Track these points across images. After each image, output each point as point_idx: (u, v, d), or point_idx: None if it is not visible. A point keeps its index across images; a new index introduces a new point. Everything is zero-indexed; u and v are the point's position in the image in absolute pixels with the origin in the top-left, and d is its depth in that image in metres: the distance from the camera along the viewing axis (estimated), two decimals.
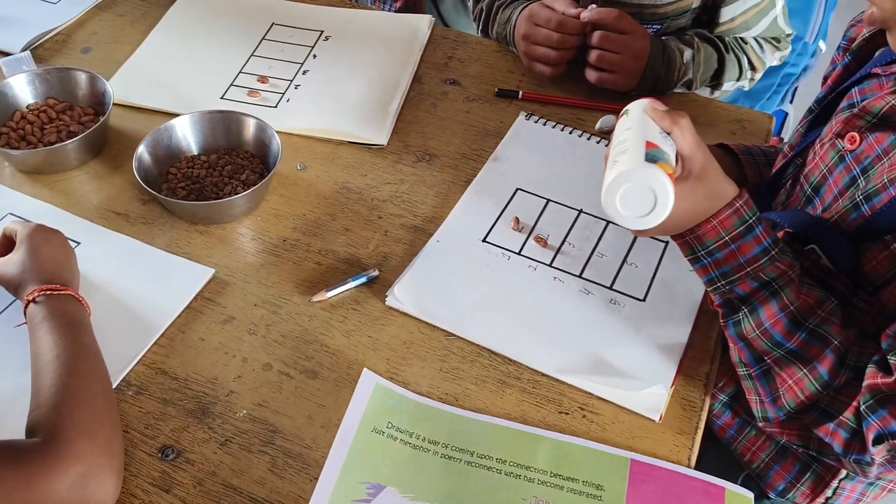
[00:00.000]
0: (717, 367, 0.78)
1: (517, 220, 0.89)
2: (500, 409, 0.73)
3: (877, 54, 0.75)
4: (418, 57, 1.11)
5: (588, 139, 0.99)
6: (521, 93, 1.06)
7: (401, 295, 0.80)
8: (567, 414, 0.73)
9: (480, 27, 1.20)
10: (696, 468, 0.69)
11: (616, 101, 1.04)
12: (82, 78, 0.97)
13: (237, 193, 0.86)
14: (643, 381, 0.74)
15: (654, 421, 0.72)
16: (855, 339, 0.65)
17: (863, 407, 0.61)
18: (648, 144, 0.62)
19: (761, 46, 1.13)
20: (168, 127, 0.91)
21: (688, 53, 1.07)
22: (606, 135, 1.01)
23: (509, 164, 0.96)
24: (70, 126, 0.95)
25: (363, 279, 0.82)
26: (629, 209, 0.62)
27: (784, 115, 2.04)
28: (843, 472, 0.80)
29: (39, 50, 1.09)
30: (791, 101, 1.99)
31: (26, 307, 0.71)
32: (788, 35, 1.15)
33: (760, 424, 0.70)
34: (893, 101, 0.67)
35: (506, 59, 1.12)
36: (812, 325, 0.65)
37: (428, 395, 0.73)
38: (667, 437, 0.71)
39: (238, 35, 1.13)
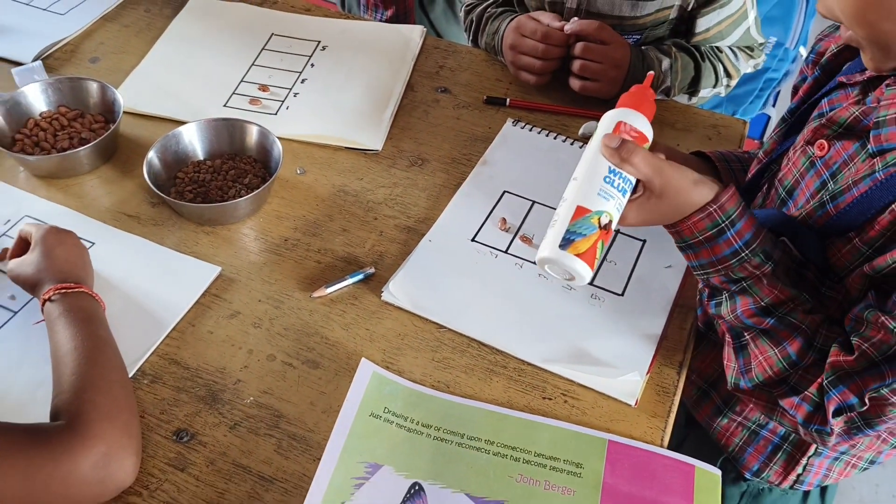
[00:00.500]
0: (689, 356, 0.84)
1: (504, 220, 0.95)
2: (488, 395, 0.78)
3: (844, 68, 0.80)
4: (411, 66, 1.17)
5: (572, 144, 1.05)
6: (508, 100, 1.11)
7: (395, 290, 0.86)
8: (550, 399, 0.78)
9: (471, 37, 1.26)
10: (679, 452, 0.74)
11: (598, 107, 1.10)
12: (93, 87, 1.02)
13: (241, 196, 0.92)
14: (620, 369, 0.80)
15: (630, 405, 0.78)
16: (821, 324, 0.70)
17: (825, 382, 0.66)
18: (578, 211, 0.67)
19: (736, 55, 1.19)
20: (176, 133, 0.96)
21: (666, 62, 1.13)
22: (589, 140, 1.07)
23: (497, 168, 1.02)
24: (81, 133, 1.00)
25: (360, 276, 0.87)
26: (557, 275, 0.71)
27: (767, 119, 2.11)
28: (812, 450, 0.85)
29: (49, 60, 1.15)
30: (773, 105, 2.06)
31: (43, 305, 0.76)
32: (761, 44, 1.21)
33: (731, 388, 0.75)
34: (856, 112, 0.72)
35: (494, 68, 1.18)
36: (781, 313, 0.70)
37: (421, 382, 0.79)
38: (642, 419, 0.77)
39: (239, 45, 1.19)
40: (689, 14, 1.14)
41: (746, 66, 1.21)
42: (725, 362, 0.76)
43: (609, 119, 0.72)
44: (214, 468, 0.72)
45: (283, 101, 1.09)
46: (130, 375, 0.77)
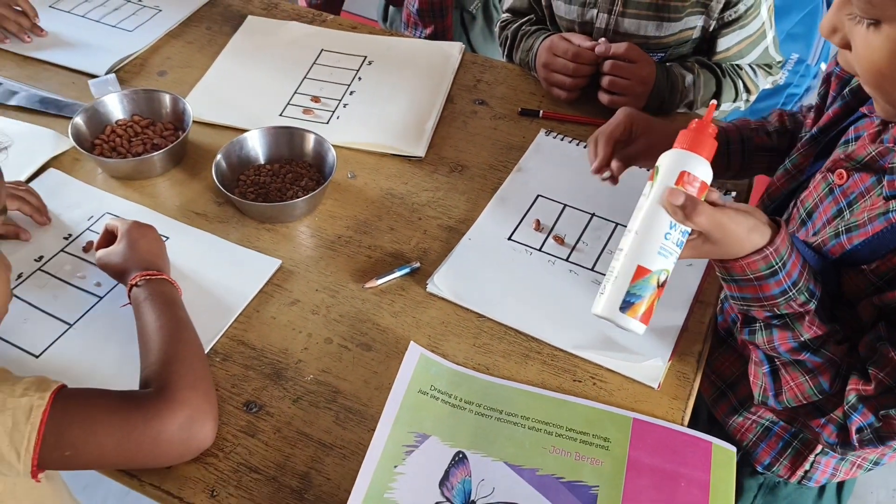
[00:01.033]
0: (707, 346, 0.91)
1: (538, 221, 1.03)
2: (523, 377, 0.87)
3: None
4: (451, 80, 1.26)
5: None
6: (541, 112, 1.20)
7: (439, 283, 0.95)
8: (580, 382, 0.86)
9: (505, 52, 1.35)
10: None
11: None
12: (166, 98, 1.13)
13: (298, 197, 1.01)
14: (644, 355, 0.88)
15: (653, 388, 0.86)
16: (847, 352, 0.75)
17: (847, 407, 0.73)
18: (639, 271, 0.68)
19: (755, 72, 1.26)
20: (240, 139, 1.06)
21: (689, 78, 1.21)
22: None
23: (531, 175, 1.10)
24: (153, 139, 1.10)
25: (407, 270, 0.96)
26: (613, 324, 0.71)
27: None
28: (819, 449, 0.92)
29: (120, 72, 1.26)
30: None
31: (130, 290, 0.85)
32: (779, 62, 1.29)
33: (757, 403, 0.81)
34: (873, 152, 0.74)
35: (528, 82, 1.27)
36: (815, 347, 0.73)
37: (464, 364, 0.87)
38: (664, 401, 0.85)
39: (292, 60, 1.29)
40: (710, 34, 1.22)
41: (765, 83, 1.29)
42: (752, 379, 0.82)
43: (671, 164, 0.70)
44: (281, 435, 0.81)
45: (333, 112, 1.19)
46: (205, 356, 0.86)
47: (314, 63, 1.29)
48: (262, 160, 1.08)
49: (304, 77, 1.26)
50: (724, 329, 0.94)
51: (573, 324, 0.91)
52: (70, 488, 0.89)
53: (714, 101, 0.73)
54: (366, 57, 1.30)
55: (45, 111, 1.16)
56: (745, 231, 0.70)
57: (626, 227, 0.71)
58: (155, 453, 0.73)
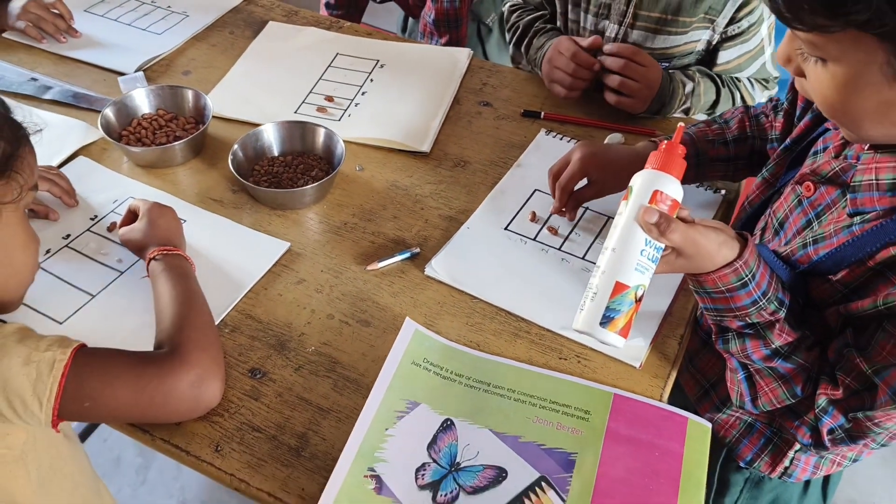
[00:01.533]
0: (689, 331, 0.96)
1: (534, 213, 1.09)
2: (512, 353, 0.92)
3: None
4: (458, 83, 1.33)
5: None
6: (542, 113, 1.26)
7: (437, 266, 1.00)
8: (565, 360, 0.91)
9: (512, 39, 1.40)
10: None
11: (622, 122, 1.24)
12: (189, 94, 1.21)
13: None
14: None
15: (635, 367, 0.90)
16: (819, 357, 0.79)
17: (817, 410, 0.77)
18: (617, 287, 0.72)
19: (752, 85, 1.32)
20: (256, 132, 1.13)
21: (689, 86, 1.26)
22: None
23: (529, 170, 1.16)
24: (176, 132, 1.18)
25: (407, 254, 1.02)
26: (593, 338, 0.75)
27: None
28: (797, 446, 0.95)
29: (148, 71, 1.34)
30: None
31: (148, 264, 0.92)
32: (775, 77, 1.34)
33: (736, 407, 0.86)
34: (836, 167, 0.79)
35: (532, 86, 1.33)
36: (786, 353, 0.78)
37: (456, 341, 0.93)
38: (644, 379, 0.89)
39: (309, 62, 1.36)
40: (713, 47, 1.28)
41: (761, 97, 1.34)
42: (729, 385, 0.86)
43: (644, 184, 0.74)
44: (282, 399, 0.86)
45: (345, 110, 1.26)
46: (215, 324, 0.93)
47: (329, 65, 1.36)
48: (275, 152, 1.15)
49: (320, 78, 1.33)
50: (705, 331, 0.98)
51: (562, 306, 0.96)
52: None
53: (682, 125, 0.78)
54: (378, 61, 1.37)
55: (78, 105, 1.25)
56: (716, 246, 0.74)
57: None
58: (166, 409, 0.79)
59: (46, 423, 0.74)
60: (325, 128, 1.14)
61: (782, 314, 0.77)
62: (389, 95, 1.29)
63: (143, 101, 1.20)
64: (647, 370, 0.90)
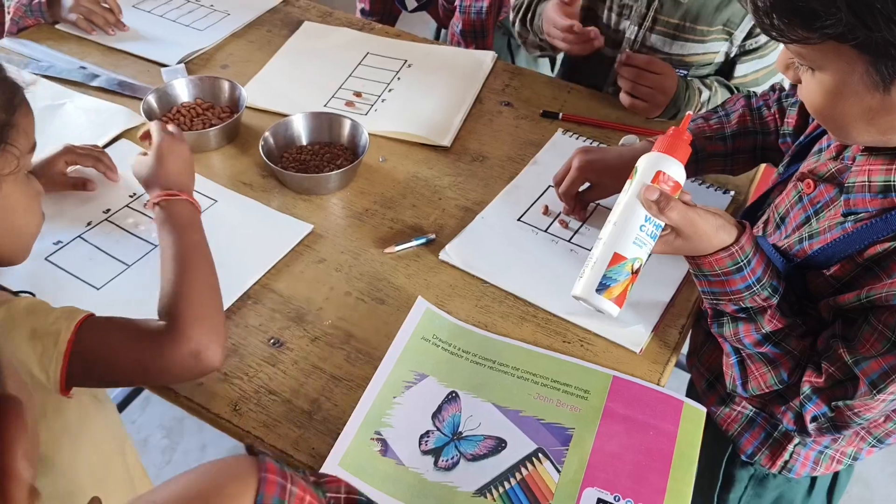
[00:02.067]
0: (691, 321, 0.99)
1: (546, 207, 1.13)
2: (518, 335, 0.96)
3: None
4: (481, 83, 1.38)
5: None
6: (561, 114, 1.31)
7: (451, 252, 1.05)
8: (569, 343, 0.95)
9: (517, 17, 1.44)
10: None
11: (638, 125, 1.28)
12: (225, 85, 1.28)
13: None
14: (628, 323, 0.96)
15: (635, 353, 0.94)
16: (809, 347, 0.82)
17: (802, 397, 0.80)
18: (615, 258, 0.76)
19: None
20: (287, 121, 1.20)
21: (706, 94, 1.30)
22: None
23: (545, 167, 1.20)
24: (212, 120, 1.25)
25: (423, 240, 1.07)
26: (590, 305, 0.80)
27: None
28: (796, 440, 0.97)
29: (189, 64, 1.42)
30: None
31: (152, 207, 0.91)
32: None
33: (729, 391, 0.90)
34: (833, 168, 0.82)
35: (552, 88, 1.38)
36: (777, 339, 0.81)
37: (465, 321, 0.97)
38: (644, 364, 0.93)
39: (340, 60, 1.43)
40: (731, 59, 1.31)
41: None
42: (724, 369, 0.90)
43: (649, 164, 0.78)
44: (297, 367, 0.92)
45: (372, 105, 1.32)
46: (237, 298, 0.99)
47: (359, 64, 1.42)
48: (304, 141, 1.22)
49: (350, 75, 1.39)
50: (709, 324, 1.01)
51: (569, 293, 0.99)
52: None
53: (690, 112, 0.82)
54: (406, 60, 1.43)
55: (122, 92, 1.33)
56: (713, 229, 0.77)
57: None
58: (167, 378, 0.82)
59: (56, 391, 0.76)
60: (352, 119, 1.20)
61: (775, 301, 0.80)
62: (415, 93, 1.35)
63: (182, 90, 1.27)
64: (647, 356, 0.94)
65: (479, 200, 1.15)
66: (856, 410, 0.77)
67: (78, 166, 1.11)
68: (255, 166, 1.20)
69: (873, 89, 0.68)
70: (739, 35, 1.26)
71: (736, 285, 0.80)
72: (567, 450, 0.84)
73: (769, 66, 1.30)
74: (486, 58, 1.43)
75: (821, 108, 0.73)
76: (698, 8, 1.25)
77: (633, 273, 0.78)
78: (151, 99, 1.23)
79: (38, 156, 1.08)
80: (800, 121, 1.00)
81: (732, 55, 1.30)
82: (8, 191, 0.76)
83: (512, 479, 0.81)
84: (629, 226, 0.77)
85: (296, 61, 1.43)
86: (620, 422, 0.86)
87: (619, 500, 0.80)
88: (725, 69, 1.34)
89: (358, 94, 1.34)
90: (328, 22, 1.55)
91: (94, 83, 1.34)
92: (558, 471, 0.82)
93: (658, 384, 0.91)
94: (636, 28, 1.30)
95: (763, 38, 1.26)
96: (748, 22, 1.24)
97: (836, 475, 1.04)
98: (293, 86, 1.36)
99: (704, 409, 0.89)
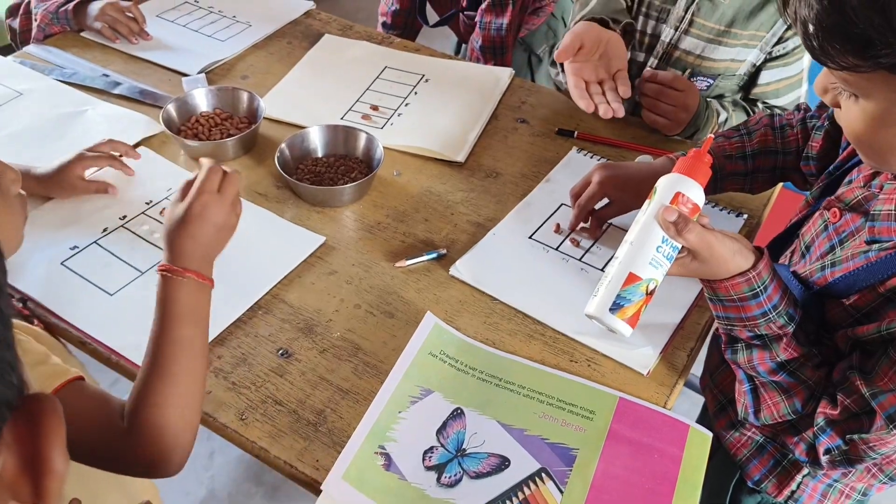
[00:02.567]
0: (700, 345, 0.99)
1: (558, 225, 1.13)
2: (525, 353, 0.96)
3: None
4: (497, 99, 1.39)
5: None
6: (576, 133, 1.31)
7: (462, 268, 1.06)
8: (576, 363, 0.95)
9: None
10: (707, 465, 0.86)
11: (653, 145, 1.28)
12: (244, 96, 1.30)
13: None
14: (637, 345, 0.96)
15: (643, 375, 0.94)
16: (823, 377, 0.81)
17: (816, 428, 0.79)
18: (630, 278, 0.75)
19: None
20: (302, 133, 1.21)
21: (723, 115, 1.30)
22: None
23: (558, 185, 1.21)
24: (230, 130, 1.27)
25: (434, 255, 1.08)
26: (603, 325, 0.79)
27: None
28: (805, 470, 0.96)
29: (210, 74, 1.43)
30: None
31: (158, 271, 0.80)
32: None
33: (741, 418, 0.88)
34: (860, 196, 0.81)
35: (568, 107, 1.38)
36: (792, 368, 0.80)
37: (473, 337, 0.98)
38: (651, 386, 0.93)
39: (358, 74, 1.44)
40: (756, 70, 1.32)
41: None
42: (737, 396, 0.89)
43: (668, 186, 0.77)
44: (305, 378, 0.92)
45: (388, 119, 1.33)
46: (249, 307, 1.00)
47: (377, 77, 1.44)
48: (319, 153, 1.23)
49: (367, 89, 1.41)
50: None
51: (578, 313, 0.98)
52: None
53: (711, 136, 0.82)
54: (423, 75, 1.44)
55: (143, 101, 1.35)
56: (731, 253, 0.76)
57: None
58: (121, 472, 0.78)
59: None
60: (367, 133, 1.21)
61: (791, 329, 0.79)
62: (431, 107, 1.36)
63: (202, 100, 1.29)
64: (654, 378, 0.94)
65: (491, 216, 1.15)
66: (871, 445, 0.76)
67: (95, 169, 1.13)
68: (270, 177, 1.21)
69: None
70: (771, 39, 1.26)
71: (752, 311, 0.79)
72: (571, 471, 0.84)
73: (791, 77, 1.30)
74: (504, 74, 1.44)
75: (861, 135, 0.73)
76: (734, 12, 1.26)
77: (647, 294, 0.78)
78: (171, 108, 1.25)
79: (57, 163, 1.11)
80: (825, 146, 0.99)
81: (759, 63, 1.30)
82: None
83: (514, 499, 0.81)
84: (646, 246, 0.76)
85: (314, 73, 1.44)
86: (625, 444, 0.86)
87: None
88: (748, 82, 1.34)
89: (375, 108, 1.36)
90: (348, 35, 1.57)
91: (117, 91, 1.36)
92: (561, 491, 0.82)
93: (664, 407, 0.91)
94: (672, 31, 1.31)
95: (790, 45, 1.27)
96: (780, 26, 1.25)
97: None
98: (311, 98, 1.38)
99: (710, 434, 0.88)
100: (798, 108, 1.08)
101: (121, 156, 1.16)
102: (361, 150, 1.22)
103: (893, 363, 0.73)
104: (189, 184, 0.84)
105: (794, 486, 0.98)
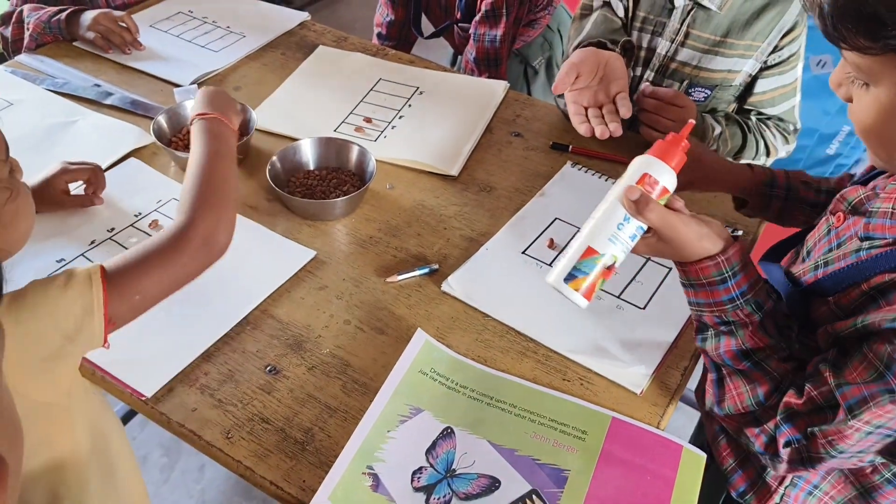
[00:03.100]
0: (694, 364, 0.97)
1: (552, 241, 1.12)
2: (517, 371, 0.95)
3: None
4: (492, 113, 1.38)
5: None
6: (570, 147, 1.30)
7: (454, 283, 1.04)
8: (569, 381, 0.94)
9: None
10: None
11: None
12: (236, 106, 1.28)
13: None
14: (630, 363, 0.95)
15: (636, 394, 0.92)
16: (790, 371, 0.81)
17: (779, 418, 0.78)
18: (588, 251, 0.77)
19: (775, 136, 1.34)
20: (294, 146, 1.20)
21: (717, 130, 1.30)
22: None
23: (552, 199, 1.20)
24: None
25: (426, 270, 1.06)
26: (561, 294, 0.79)
27: None
28: (788, 480, 0.94)
29: (203, 84, 1.42)
30: None
31: (190, 125, 0.95)
32: (796, 130, 1.36)
33: (707, 410, 0.88)
34: (861, 196, 0.81)
35: (563, 121, 1.38)
36: (757, 358, 0.80)
37: (464, 355, 0.96)
38: (644, 406, 0.91)
39: (352, 85, 1.43)
40: (752, 79, 1.32)
41: (782, 150, 1.36)
42: (706, 387, 0.88)
43: (636, 167, 0.79)
44: (293, 395, 0.91)
45: (382, 132, 1.32)
46: (236, 323, 0.98)
47: (371, 89, 1.43)
48: (311, 166, 1.22)
49: (361, 101, 1.40)
50: None
51: (571, 330, 0.99)
52: None
53: (692, 121, 0.82)
54: (418, 87, 1.43)
55: (135, 111, 1.34)
56: (696, 236, 0.78)
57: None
58: (191, 268, 0.82)
59: (99, 334, 0.74)
60: (359, 146, 1.20)
61: (757, 318, 0.79)
62: (425, 120, 1.35)
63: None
64: (647, 398, 0.92)
65: (484, 231, 1.14)
66: (829, 438, 0.75)
67: (79, 182, 1.12)
68: (261, 190, 1.20)
69: None
70: (767, 48, 1.26)
71: (719, 296, 0.79)
72: (562, 492, 0.82)
73: (787, 85, 1.31)
74: (499, 87, 1.43)
75: (870, 126, 0.73)
76: (730, 22, 1.26)
77: (605, 269, 0.78)
78: (162, 120, 1.24)
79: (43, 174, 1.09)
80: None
81: (754, 73, 1.30)
82: None
83: None
84: (607, 222, 0.78)
85: (308, 85, 1.43)
86: (618, 465, 0.85)
87: None
88: (744, 92, 1.33)
89: (368, 120, 1.35)
90: (343, 47, 1.56)
91: (108, 101, 1.35)
92: None
93: (658, 427, 0.89)
94: (668, 43, 1.30)
95: (786, 52, 1.27)
96: (777, 34, 1.25)
97: None
98: (304, 110, 1.37)
99: (704, 455, 0.87)
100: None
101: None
102: (354, 162, 1.21)
103: (864, 358, 0.73)
104: None
105: (776, 498, 0.97)
